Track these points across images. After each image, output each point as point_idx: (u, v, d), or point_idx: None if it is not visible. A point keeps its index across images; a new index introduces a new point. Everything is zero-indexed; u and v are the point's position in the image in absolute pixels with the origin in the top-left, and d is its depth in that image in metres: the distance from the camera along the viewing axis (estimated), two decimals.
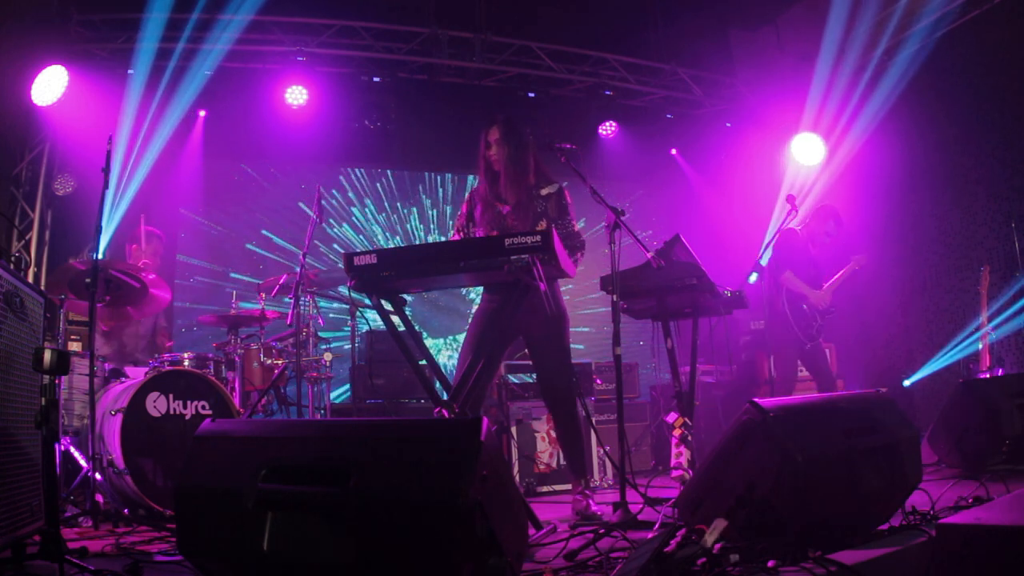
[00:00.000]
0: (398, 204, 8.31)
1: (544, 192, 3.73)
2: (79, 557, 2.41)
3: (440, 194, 8.46)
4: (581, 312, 8.06)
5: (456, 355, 7.89)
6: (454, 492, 1.72)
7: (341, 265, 3.96)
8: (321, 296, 5.46)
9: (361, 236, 8.08)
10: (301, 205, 7.69)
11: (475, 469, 1.75)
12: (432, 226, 8.41)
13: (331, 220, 7.86)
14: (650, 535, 2.45)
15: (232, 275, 7.41)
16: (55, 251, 6.31)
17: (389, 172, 8.29)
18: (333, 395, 6.21)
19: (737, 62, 8.08)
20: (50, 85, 5.70)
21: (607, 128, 7.98)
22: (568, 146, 3.69)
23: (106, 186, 3.52)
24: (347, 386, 6.68)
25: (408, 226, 8.33)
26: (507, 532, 1.88)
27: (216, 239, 7.50)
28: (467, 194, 3.96)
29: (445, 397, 3.11)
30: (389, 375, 6.04)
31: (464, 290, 8.02)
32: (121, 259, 5.09)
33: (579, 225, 3.82)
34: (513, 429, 5.01)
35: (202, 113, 7.07)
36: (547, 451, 5.05)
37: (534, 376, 4.81)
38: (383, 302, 3.17)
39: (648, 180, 9.13)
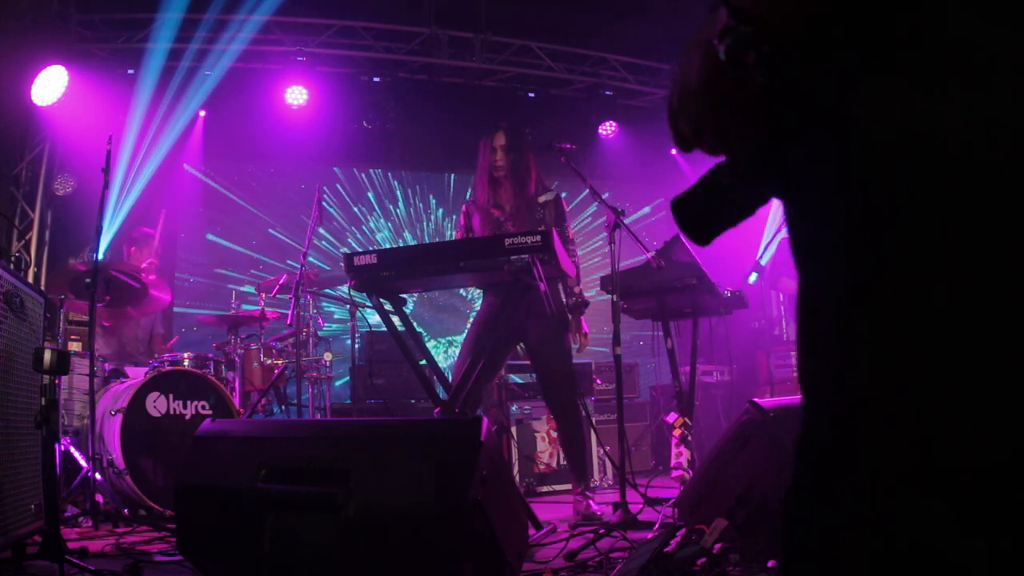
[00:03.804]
0: (398, 204, 8.31)
1: (542, 200, 3.72)
2: (79, 557, 2.41)
3: (440, 194, 8.46)
4: None
5: (456, 356, 7.88)
6: (454, 492, 1.72)
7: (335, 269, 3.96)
8: (321, 296, 5.46)
9: (361, 236, 8.08)
10: (301, 205, 7.70)
11: (475, 469, 1.75)
12: (432, 226, 8.41)
13: (330, 220, 7.86)
14: (650, 535, 2.45)
15: (232, 275, 7.41)
16: (55, 251, 6.30)
17: (389, 172, 8.28)
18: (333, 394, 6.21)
19: None
20: (50, 85, 5.69)
21: (607, 128, 7.97)
22: (568, 146, 3.69)
23: (106, 186, 3.52)
24: (345, 378, 6.68)
25: (408, 226, 8.33)
26: (507, 532, 1.88)
27: (216, 239, 7.50)
28: (463, 206, 3.88)
29: (445, 397, 3.11)
30: (389, 375, 6.04)
31: (464, 290, 8.02)
32: (120, 260, 5.09)
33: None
34: (513, 429, 5.01)
35: (202, 113, 7.06)
36: (547, 451, 5.05)
37: (534, 376, 4.81)
38: (383, 302, 3.17)
39: (648, 180, 9.12)
